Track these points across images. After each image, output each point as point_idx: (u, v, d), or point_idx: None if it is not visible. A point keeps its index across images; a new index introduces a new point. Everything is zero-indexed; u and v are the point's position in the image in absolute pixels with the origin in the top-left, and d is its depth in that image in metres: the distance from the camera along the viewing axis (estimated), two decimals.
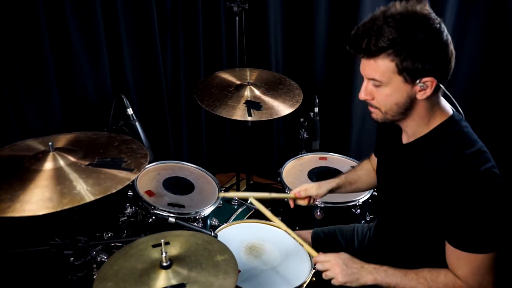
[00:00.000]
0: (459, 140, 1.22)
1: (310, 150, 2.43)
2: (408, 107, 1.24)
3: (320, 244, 1.76)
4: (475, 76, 2.70)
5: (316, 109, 2.37)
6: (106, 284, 1.14)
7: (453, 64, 1.21)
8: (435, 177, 1.22)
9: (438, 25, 1.15)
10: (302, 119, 2.41)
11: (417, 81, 1.18)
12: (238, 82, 2.30)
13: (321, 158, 2.32)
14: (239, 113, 2.09)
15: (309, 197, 1.66)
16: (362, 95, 1.27)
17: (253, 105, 2.12)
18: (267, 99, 2.19)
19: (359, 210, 1.99)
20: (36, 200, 1.14)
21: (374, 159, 1.66)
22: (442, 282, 1.27)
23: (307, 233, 1.80)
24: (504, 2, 2.46)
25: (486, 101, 2.72)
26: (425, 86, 1.19)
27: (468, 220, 1.18)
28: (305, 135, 2.41)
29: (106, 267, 1.21)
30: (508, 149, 2.67)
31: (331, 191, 1.68)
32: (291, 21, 2.86)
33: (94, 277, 1.20)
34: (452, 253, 1.25)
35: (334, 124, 2.93)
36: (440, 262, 1.30)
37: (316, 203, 1.97)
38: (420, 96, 1.21)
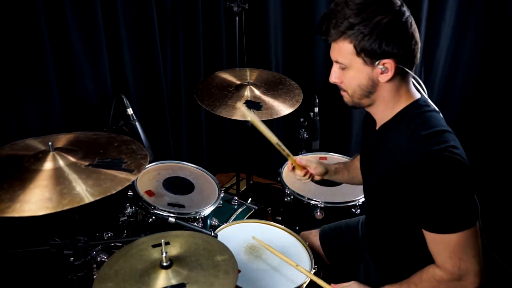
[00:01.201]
0: (418, 123, 1.23)
1: (310, 150, 2.43)
2: (371, 90, 1.26)
3: (328, 239, 1.76)
4: (475, 75, 2.70)
5: (316, 109, 2.37)
6: (106, 284, 1.14)
7: (417, 50, 1.22)
8: (398, 160, 1.22)
9: (398, 8, 1.18)
10: (302, 119, 2.41)
11: (376, 63, 1.20)
12: (238, 82, 2.30)
13: (321, 158, 2.32)
14: (239, 113, 2.09)
15: (306, 170, 1.63)
16: (332, 78, 1.31)
17: (253, 105, 2.12)
18: (267, 99, 2.19)
19: (359, 210, 1.99)
20: (36, 200, 1.14)
21: None
22: (426, 280, 1.28)
23: (315, 234, 1.81)
24: (504, 2, 2.46)
25: (486, 100, 2.72)
26: (386, 69, 1.20)
27: (431, 200, 1.17)
28: (305, 135, 2.41)
29: (106, 267, 1.21)
30: (508, 149, 2.67)
31: (328, 172, 1.67)
32: (291, 21, 2.86)
33: (94, 277, 1.20)
34: (429, 239, 1.25)
35: (334, 124, 2.93)
36: (426, 253, 1.29)
37: (316, 202, 1.97)
38: (382, 79, 1.22)
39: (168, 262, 1.17)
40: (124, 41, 2.46)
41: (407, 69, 1.22)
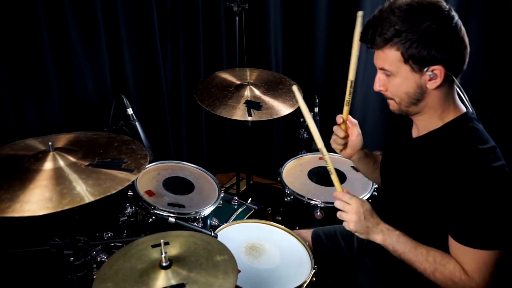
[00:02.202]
0: (473, 136, 1.22)
1: (310, 150, 2.43)
2: (419, 97, 1.23)
3: (321, 245, 1.76)
4: (475, 76, 2.70)
5: (316, 109, 2.37)
6: (106, 284, 1.14)
7: (466, 55, 1.20)
8: (446, 170, 1.21)
9: (446, 13, 1.15)
10: (302, 119, 2.41)
11: (425, 70, 1.17)
12: (238, 82, 2.30)
13: (321, 158, 2.32)
14: (239, 113, 2.09)
15: (347, 133, 1.49)
16: (376, 86, 1.28)
17: (253, 105, 2.12)
18: (267, 99, 2.19)
19: None
20: (36, 200, 1.14)
21: None
22: (449, 269, 1.25)
23: (308, 232, 1.80)
24: (504, 2, 2.46)
25: (486, 101, 2.72)
26: (434, 75, 1.18)
27: (477, 215, 1.17)
28: (305, 135, 2.41)
29: (105, 268, 1.20)
30: (508, 149, 2.67)
31: (361, 152, 1.53)
32: (291, 21, 2.86)
33: (94, 277, 1.20)
34: (457, 249, 1.24)
35: (334, 124, 2.92)
36: None
37: (316, 202, 1.97)
38: (430, 85, 1.20)
39: (168, 262, 1.17)
40: (124, 41, 2.46)
41: (453, 77, 1.21)
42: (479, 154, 1.18)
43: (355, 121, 1.49)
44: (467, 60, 1.21)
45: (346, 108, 1.44)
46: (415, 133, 1.36)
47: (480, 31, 2.59)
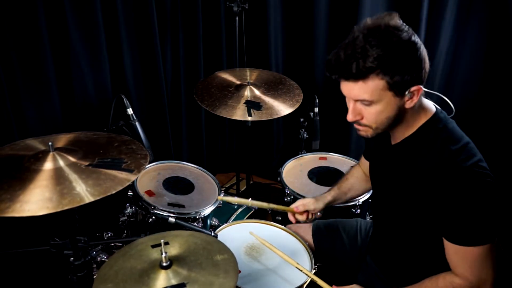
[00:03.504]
0: (444, 137, 1.25)
1: (310, 150, 2.43)
2: (398, 118, 1.26)
3: (322, 238, 1.76)
4: (476, 76, 2.70)
5: (316, 109, 2.37)
6: (106, 285, 1.14)
7: (428, 64, 1.22)
8: (424, 174, 1.25)
9: (410, 35, 1.17)
10: (302, 119, 2.41)
11: (406, 92, 1.19)
12: (238, 82, 2.30)
13: (321, 158, 2.32)
14: (239, 113, 2.09)
15: (308, 213, 1.69)
16: (350, 117, 1.27)
17: (253, 105, 2.12)
18: (267, 99, 2.19)
19: (359, 210, 1.99)
20: (36, 200, 1.14)
21: (365, 162, 1.68)
22: (442, 287, 1.29)
23: (307, 226, 1.80)
24: (504, 2, 2.45)
25: (486, 101, 2.72)
26: (412, 95, 1.21)
27: (459, 214, 1.20)
28: (305, 135, 2.41)
29: (105, 268, 1.20)
30: (508, 150, 2.67)
31: (328, 204, 1.71)
32: (291, 21, 2.86)
33: (94, 277, 1.20)
34: (450, 249, 1.27)
35: (334, 124, 2.93)
36: (439, 261, 1.31)
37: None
38: (408, 104, 1.23)
39: (168, 262, 1.17)
40: (124, 41, 2.46)
41: (426, 89, 1.24)
42: (452, 156, 1.21)
43: (301, 207, 1.67)
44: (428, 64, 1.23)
45: (289, 212, 1.70)
46: (393, 140, 1.38)
47: (480, 31, 2.59)
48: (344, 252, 1.72)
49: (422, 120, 1.29)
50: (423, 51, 1.19)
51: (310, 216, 1.70)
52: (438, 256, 1.31)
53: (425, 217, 1.29)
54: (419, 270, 1.39)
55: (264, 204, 1.68)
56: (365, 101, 1.21)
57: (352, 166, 1.84)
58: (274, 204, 1.70)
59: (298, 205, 1.67)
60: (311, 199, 1.69)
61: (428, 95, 1.33)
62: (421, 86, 1.20)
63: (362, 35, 1.15)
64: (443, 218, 1.23)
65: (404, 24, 1.19)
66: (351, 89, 1.21)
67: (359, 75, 1.17)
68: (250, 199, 1.72)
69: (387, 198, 1.45)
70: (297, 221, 1.72)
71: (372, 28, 1.16)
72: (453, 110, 1.34)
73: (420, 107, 1.29)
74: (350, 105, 1.26)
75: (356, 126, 1.31)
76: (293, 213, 1.70)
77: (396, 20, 1.18)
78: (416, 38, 1.18)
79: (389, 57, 1.14)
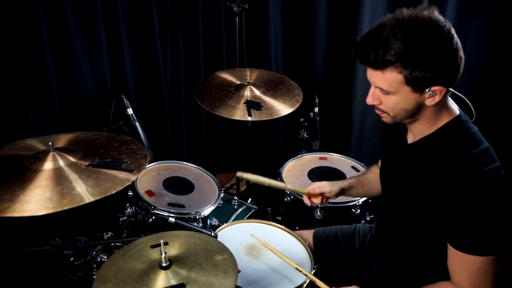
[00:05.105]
0: (465, 139, 1.22)
1: (310, 150, 2.43)
2: (417, 112, 1.23)
3: (322, 246, 1.76)
4: (476, 76, 2.70)
5: (316, 109, 2.37)
6: (106, 285, 1.14)
7: (462, 69, 1.18)
8: (439, 176, 1.21)
9: (447, 32, 1.13)
10: (302, 119, 2.41)
11: (426, 90, 1.16)
12: (238, 82, 2.30)
13: (321, 158, 2.32)
14: (239, 113, 2.09)
15: (323, 196, 1.63)
16: (369, 100, 1.26)
17: (253, 105, 2.12)
18: (267, 99, 2.19)
19: (359, 210, 1.99)
20: (36, 200, 1.14)
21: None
22: None
23: (309, 233, 1.80)
24: (505, 2, 2.46)
25: (486, 101, 2.72)
26: (434, 94, 1.17)
27: (471, 220, 1.17)
28: (305, 135, 2.41)
29: (105, 268, 1.20)
30: (508, 150, 2.67)
31: (343, 191, 1.65)
32: (291, 21, 2.86)
33: (94, 277, 1.20)
34: (453, 256, 1.24)
35: (334, 124, 2.93)
36: (442, 267, 1.30)
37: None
38: (429, 102, 1.20)
39: (168, 263, 1.17)
40: (124, 41, 2.46)
41: (452, 90, 1.20)
42: (471, 159, 1.18)
43: (318, 190, 1.61)
44: (462, 68, 1.19)
45: (305, 195, 1.64)
46: (410, 139, 1.36)
47: (480, 32, 2.59)
48: (343, 257, 1.73)
49: (444, 120, 1.25)
50: (459, 51, 1.14)
51: (324, 201, 1.65)
52: (441, 262, 1.29)
53: (433, 220, 1.26)
54: (421, 274, 1.38)
55: (281, 185, 1.62)
56: (383, 90, 1.20)
57: (371, 165, 1.79)
58: (291, 186, 1.67)
59: (314, 187, 1.63)
60: (327, 182, 1.64)
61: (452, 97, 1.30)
62: (444, 88, 1.16)
63: (389, 25, 1.12)
64: (453, 223, 1.20)
65: (444, 20, 1.14)
66: (371, 75, 1.21)
67: (377, 65, 1.15)
68: (267, 178, 1.62)
69: (395, 199, 1.43)
70: (312, 205, 1.68)
71: (402, 19, 1.12)
72: (473, 115, 1.30)
73: (444, 107, 1.25)
74: (371, 89, 1.25)
75: (376, 111, 1.30)
76: (309, 196, 1.64)
77: (435, 15, 1.14)
78: (452, 38, 1.13)
79: (411, 53, 1.10)
